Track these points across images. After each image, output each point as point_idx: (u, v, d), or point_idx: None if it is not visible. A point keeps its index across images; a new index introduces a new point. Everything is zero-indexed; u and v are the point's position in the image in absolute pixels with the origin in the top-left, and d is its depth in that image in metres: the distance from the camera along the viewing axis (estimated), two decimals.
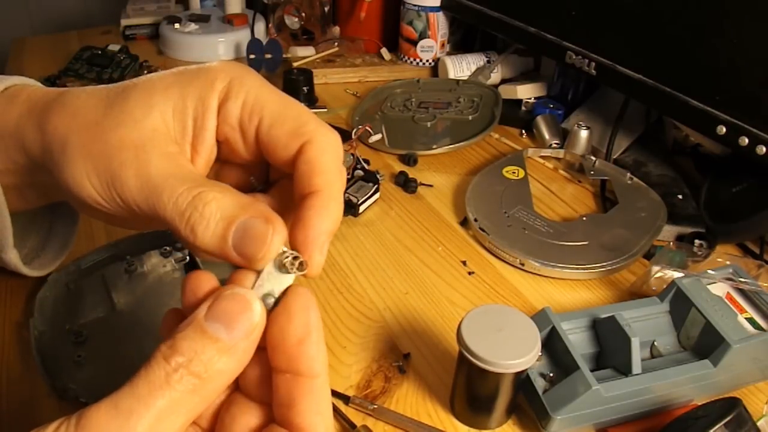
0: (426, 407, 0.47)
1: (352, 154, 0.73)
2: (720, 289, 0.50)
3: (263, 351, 0.25)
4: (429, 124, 0.85)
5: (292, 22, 1.05)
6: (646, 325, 0.49)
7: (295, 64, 0.98)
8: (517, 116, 0.88)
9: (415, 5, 0.97)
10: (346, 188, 0.67)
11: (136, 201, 0.27)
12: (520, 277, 0.60)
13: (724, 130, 0.60)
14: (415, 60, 1.01)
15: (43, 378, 0.45)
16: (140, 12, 1.16)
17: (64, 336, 0.50)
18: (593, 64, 0.74)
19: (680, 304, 0.49)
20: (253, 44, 0.97)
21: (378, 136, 0.81)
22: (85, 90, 0.30)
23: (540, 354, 0.45)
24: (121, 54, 0.99)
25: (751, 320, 0.48)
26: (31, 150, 0.31)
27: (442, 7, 0.97)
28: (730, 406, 0.38)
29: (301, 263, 0.25)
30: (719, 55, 0.61)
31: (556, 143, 0.81)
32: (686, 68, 0.64)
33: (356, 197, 0.67)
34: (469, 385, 0.44)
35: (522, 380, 0.43)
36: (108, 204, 0.28)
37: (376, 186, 0.69)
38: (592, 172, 0.73)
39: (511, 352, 0.40)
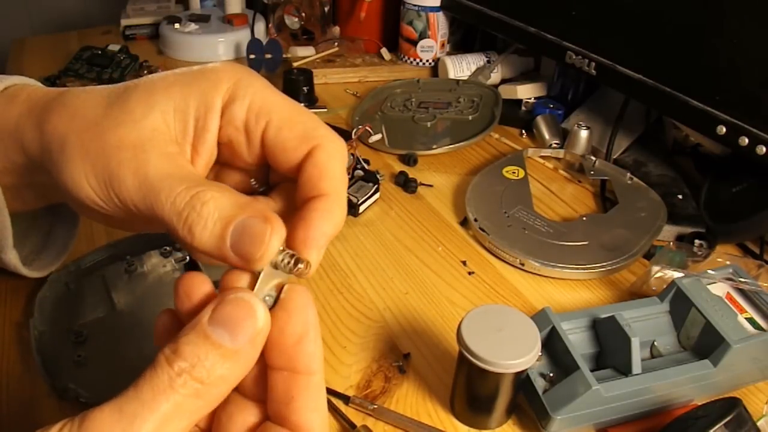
0: (426, 407, 0.47)
1: (352, 154, 0.73)
2: (720, 289, 0.50)
3: None
4: (429, 124, 0.85)
5: (292, 22, 1.05)
6: (646, 325, 0.49)
7: (295, 64, 0.98)
8: (517, 116, 0.88)
9: (415, 5, 0.97)
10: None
11: (134, 201, 0.27)
12: (520, 277, 0.60)
13: (724, 130, 0.60)
14: (415, 60, 1.01)
15: (43, 378, 0.45)
16: (140, 12, 1.16)
17: (64, 336, 0.50)
18: (593, 64, 0.74)
19: (680, 304, 0.49)
20: (253, 44, 0.97)
21: (378, 136, 0.81)
22: (85, 90, 0.30)
23: (540, 354, 0.45)
24: (121, 54, 0.99)
25: (751, 320, 0.48)
26: (29, 149, 0.31)
27: (442, 7, 0.97)
28: (730, 406, 0.38)
29: (298, 261, 0.25)
30: (719, 55, 0.61)
31: (556, 143, 0.81)
32: (686, 68, 0.64)
33: (356, 197, 0.67)
34: (469, 385, 0.44)
35: (522, 380, 0.43)
36: (106, 204, 0.28)
37: (376, 186, 0.69)
38: (592, 172, 0.73)
39: (511, 352, 0.40)
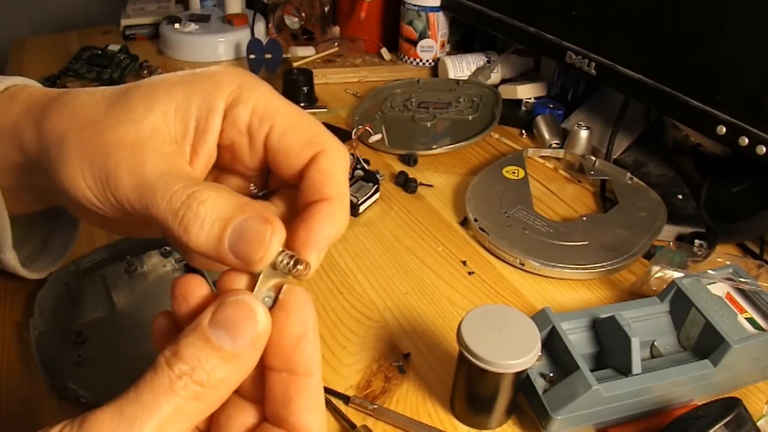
0: (426, 407, 0.47)
1: (352, 154, 0.73)
2: (720, 289, 0.50)
3: None
4: (429, 124, 0.85)
5: (292, 22, 1.05)
6: (646, 325, 0.49)
7: (295, 64, 0.98)
8: (517, 116, 0.88)
9: (415, 5, 0.97)
10: None
11: (130, 200, 0.26)
12: (520, 277, 0.60)
13: (724, 130, 0.60)
14: (415, 60, 1.01)
15: (43, 378, 0.45)
16: (140, 12, 1.16)
17: (64, 336, 0.50)
18: (593, 64, 0.74)
19: (680, 304, 0.49)
20: (253, 44, 0.97)
21: (378, 136, 0.81)
22: (86, 90, 0.30)
23: (540, 354, 0.45)
24: (121, 54, 0.99)
25: (751, 320, 0.48)
26: (28, 148, 0.31)
27: (442, 7, 0.97)
28: (730, 406, 0.38)
29: (297, 262, 0.25)
30: (719, 55, 0.61)
31: (556, 143, 0.81)
32: (686, 68, 0.64)
33: (356, 197, 0.67)
34: (469, 385, 0.44)
35: (522, 380, 0.43)
36: (102, 204, 0.28)
37: (376, 186, 0.69)
38: (592, 172, 0.73)
39: (511, 352, 0.40)
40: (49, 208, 0.42)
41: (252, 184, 0.31)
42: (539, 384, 0.45)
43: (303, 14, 1.04)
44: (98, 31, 1.17)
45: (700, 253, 0.59)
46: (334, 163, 0.28)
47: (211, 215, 0.24)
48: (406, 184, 0.72)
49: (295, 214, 0.27)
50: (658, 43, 0.67)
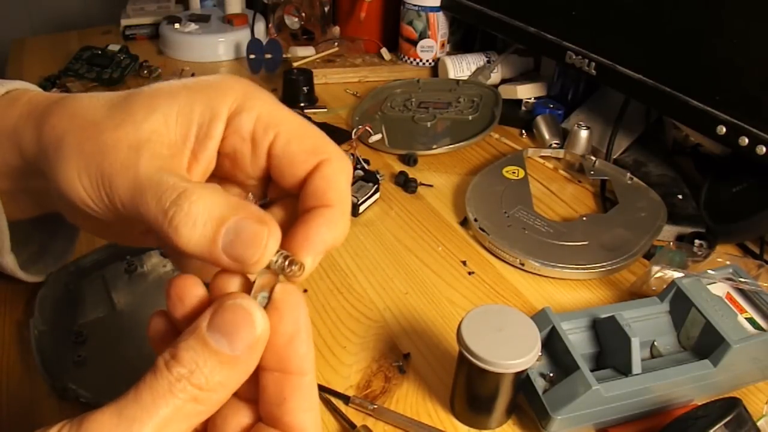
0: (426, 407, 0.47)
1: (352, 154, 0.73)
2: (720, 289, 0.50)
3: None
4: (429, 124, 0.85)
5: (292, 22, 1.05)
6: (646, 325, 0.49)
7: (295, 64, 0.98)
8: (517, 116, 0.88)
9: (415, 5, 0.97)
10: None
11: (123, 201, 0.26)
12: (520, 277, 0.60)
13: (724, 130, 0.60)
14: (415, 60, 1.01)
15: (43, 378, 0.45)
16: (140, 12, 1.16)
17: (64, 336, 0.50)
18: (593, 64, 0.74)
19: (680, 304, 0.49)
20: (253, 44, 0.97)
21: (378, 136, 0.81)
22: (88, 95, 0.30)
23: (540, 354, 0.45)
24: (121, 54, 0.99)
25: (751, 320, 0.48)
26: (27, 150, 0.31)
27: (442, 7, 0.97)
28: (730, 406, 0.38)
29: (292, 263, 0.24)
30: (719, 55, 0.61)
31: (556, 143, 0.81)
32: (686, 68, 0.64)
33: (356, 197, 0.67)
34: (469, 385, 0.44)
35: (522, 380, 0.43)
36: (97, 206, 0.27)
37: (376, 186, 0.69)
38: (592, 172, 0.73)
39: (511, 352, 0.40)
40: (50, 214, 0.42)
41: (250, 194, 0.31)
42: (539, 384, 0.45)
43: (303, 14, 1.04)
44: (98, 31, 1.17)
45: (700, 253, 0.59)
46: (338, 172, 0.28)
47: (203, 215, 0.24)
48: (406, 184, 0.72)
49: (294, 223, 0.27)
50: (658, 43, 0.67)
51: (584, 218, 0.66)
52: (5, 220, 0.39)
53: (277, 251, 0.25)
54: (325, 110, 0.91)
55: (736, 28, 0.59)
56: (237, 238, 0.24)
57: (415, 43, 1.00)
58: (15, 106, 0.32)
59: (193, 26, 1.08)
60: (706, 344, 0.46)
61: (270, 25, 1.09)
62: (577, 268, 0.59)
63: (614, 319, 0.46)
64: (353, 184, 0.69)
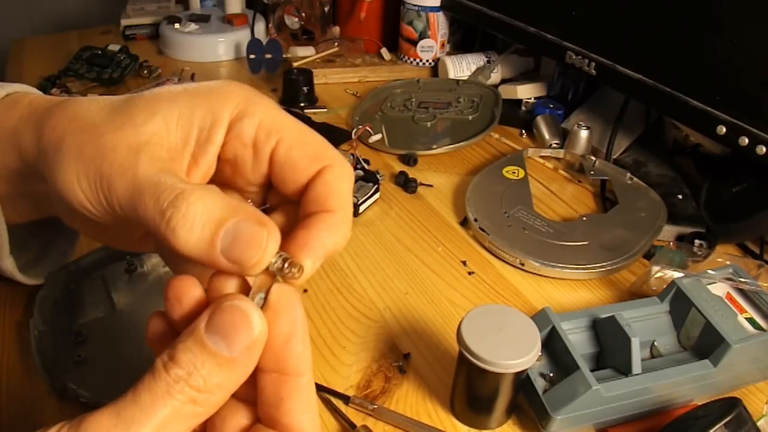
0: (426, 407, 0.47)
1: (352, 154, 0.73)
2: (720, 289, 0.50)
3: None
4: (429, 124, 0.85)
5: (292, 22, 1.05)
6: (646, 325, 0.49)
7: (295, 64, 0.98)
8: (517, 116, 0.88)
9: (415, 5, 0.97)
10: None
11: (121, 202, 0.26)
12: (520, 277, 0.60)
13: (724, 130, 0.60)
14: (415, 60, 1.01)
15: (43, 378, 0.45)
16: (140, 12, 1.16)
17: (64, 336, 0.50)
18: (593, 64, 0.74)
19: (680, 304, 0.49)
20: (253, 44, 0.97)
21: (378, 136, 0.81)
22: (89, 98, 0.30)
23: (540, 354, 0.45)
24: (121, 54, 0.99)
25: (751, 320, 0.48)
26: (27, 152, 0.31)
27: (442, 7, 0.97)
28: (730, 406, 0.38)
29: (291, 264, 0.24)
30: (719, 55, 0.61)
31: (556, 143, 0.81)
32: (686, 68, 0.64)
33: (356, 197, 0.67)
34: (469, 385, 0.44)
35: (522, 380, 0.43)
36: (95, 209, 0.27)
37: (376, 186, 0.69)
38: (592, 172, 0.73)
39: (511, 352, 0.40)
40: (49, 217, 0.42)
41: (250, 200, 0.31)
42: (539, 384, 0.45)
43: (303, 14, 1.04)
44: (98, 31, 1.17)
45: (700, 253, 0.59)
46: (340, 178, 0.28)
47: (201, 216, 0.24)
48: (406, 184, 0.72)
49: (294, 227, 0.27)
50: (658, 43, 0.67)
51: (584, 218, 0.66)
52: (4, 225, 0.39)
53: (276, 253, 0.24)
54: (325, 110, 0.91)
55: (736, 28, 0.59)
56: (236, 240, 0.24)
57: (415, 43, 1.00)
58: (15, 109, 0.32)
59: (193, 26, 1.08)
60: (706, 344, 0.46)
61: (270, 25, 1.09)
62: (577, 268, 0.59)
63: (614, 319, 0.46)
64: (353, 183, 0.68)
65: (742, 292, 0.50)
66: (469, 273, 0.60)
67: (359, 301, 0.56)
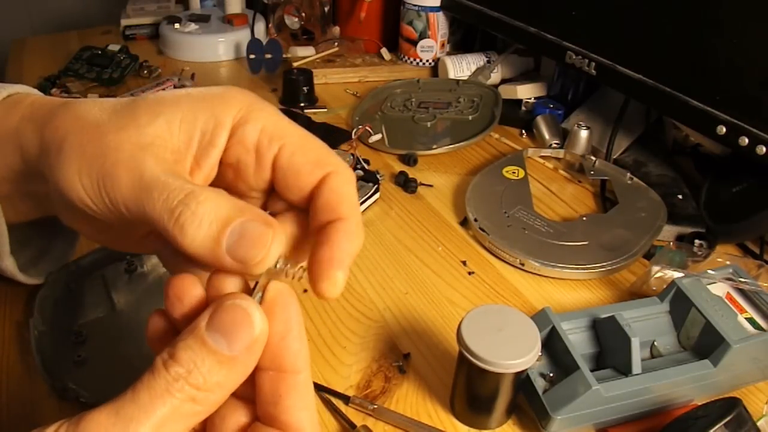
0: (426, 407, 0.47)
1: (352, 154, 0.73)
2: (720, 289, 0.50)
3: None
4: (429, 124, 0.85)
5: (292, 22, 1.05)
6: (646, 325, 0.49)
7: (295, 64, 0.98)
8: (517, 116, 0.88)
9: (415, 5, 0.97)
10: None
11: (125, 200, 0.26)
12: (520, 277, 0.60)
13: (724, 130, 0.60)
14: (415, 60, 1.01)
15: (43, 378, 0.45)
16: (140, 12, 1.16)
17: (64, 336, 0.50)
18: (593, 64, 0.74)
19: (680, 304, 0.49)
20: (253, 44, 0.97)
21: (378, 136, 0.81)
22: (91, 99, 0.30)
23: (540, 354, 0.45)
24: (121, 54, 0.99)
25: (751, 320, 0.48)
26: (28, 152, 0.31)
27: (442, 7, 0.97)
28: (730, 406, 0.38)
29: (293, 265, 0.25)
30: (719, 55, 0.61)
31: (556, 143, 0.81)
32: (686, 68, 0.64)
33: None
34: (469, 385, 0.44)
35: (522, 380, 0.43)
36: (96, 207, 0.27)
37: (376, 186, 0.69)
38: (592, 172, 0.73)
39: (511, 352, 0.40)
40: (49, 217, 0.42)
41: None
42: (539, 384, 0.45)
43: (303, 14, 1.04)
44: (98, 31, 1.17)
45: (700, 253, 0.59)
46: (345, 183, 0.28)
47: (209, 215, 0.24)
48: (406, 184, 0.72)
49: (295, 237, 0.28)
50: (658, 43, 0.67)
51: (584, 218, 0.66)
52: (5, 225, 0.39)
53: (280, 257, 0.25)
54: (325, 110, 0.91)
55: (736, 28, 0.59)
56: (241, 239, 0.24)
57: (415, 43, 1.00)
58: (17, 109, 0.32)
59: (193, 26, 1.08)
60: (706, 344, 0.46)
61: (270, 25, 1.09)
62: (577, 268, 0.59)
63: (614, 319, 0.46)
64: None
65: (742, 292, 0.50)
66: (469, 273, 0.60)
67: (359, 301, 0.56)
